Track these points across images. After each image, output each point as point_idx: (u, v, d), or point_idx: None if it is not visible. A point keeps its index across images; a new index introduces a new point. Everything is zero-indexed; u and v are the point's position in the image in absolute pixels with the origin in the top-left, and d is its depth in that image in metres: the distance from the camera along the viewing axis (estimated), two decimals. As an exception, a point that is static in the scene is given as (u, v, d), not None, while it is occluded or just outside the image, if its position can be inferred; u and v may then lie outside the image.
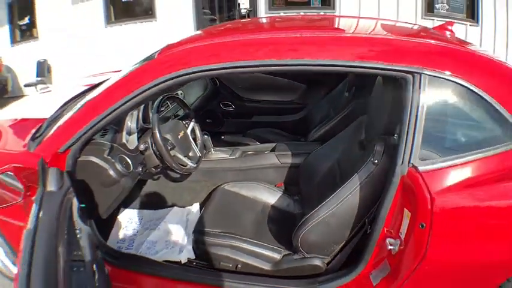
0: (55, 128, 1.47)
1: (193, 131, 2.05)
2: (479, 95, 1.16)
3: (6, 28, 7.40)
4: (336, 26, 1.83)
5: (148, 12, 6.31)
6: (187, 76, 1.28)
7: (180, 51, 1.37)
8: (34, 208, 1.05)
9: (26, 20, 7.52)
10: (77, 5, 6.73)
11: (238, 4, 6.46)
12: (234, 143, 2.51)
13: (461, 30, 4.95)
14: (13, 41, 7.61)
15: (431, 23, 4.90)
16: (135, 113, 1.73)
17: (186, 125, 2.01)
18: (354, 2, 5.22)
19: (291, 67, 1.26)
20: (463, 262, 1.20)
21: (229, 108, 3.04)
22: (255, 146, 2.44)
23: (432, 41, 1.29)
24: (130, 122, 1.68)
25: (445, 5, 5.15)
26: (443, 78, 1.16)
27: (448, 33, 1.51)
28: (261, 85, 2.90)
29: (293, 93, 2.95)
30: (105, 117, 1.34)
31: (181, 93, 2.45)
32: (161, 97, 1.78)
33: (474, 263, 1.20)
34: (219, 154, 2.24)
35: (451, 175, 1.15)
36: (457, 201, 1.14)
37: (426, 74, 1.15)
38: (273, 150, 2.24)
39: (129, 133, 1.67)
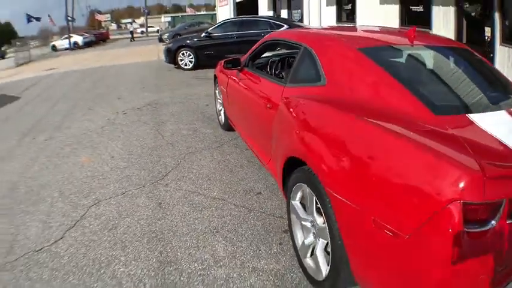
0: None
1: None
2: (313, 55, 2.24)
3: (334, 8, 10.33)
4: (336, 28, 2.85)
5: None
6: (271, 42, 3.25)
7: (276, 32, 3.47)
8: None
9: (349, 6, 10.18)
10: (382, 6, 8.73)
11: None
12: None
13: None
14: (339, 19, 10.45)
15: None
16: (276, 62, 3.86)
17: None
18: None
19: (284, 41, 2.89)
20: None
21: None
22: None
23: (321, 31, 2.75)
24: (272, 68, 3.85)
25: None
26: (304, 47, 2.39)
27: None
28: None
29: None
30: (254, 51, 3.58)
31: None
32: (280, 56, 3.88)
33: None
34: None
35: (293, 91, 2.27)
36: (290, 103, 2.18)
37: (303, 46, 2.43)
38: None
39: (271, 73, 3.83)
